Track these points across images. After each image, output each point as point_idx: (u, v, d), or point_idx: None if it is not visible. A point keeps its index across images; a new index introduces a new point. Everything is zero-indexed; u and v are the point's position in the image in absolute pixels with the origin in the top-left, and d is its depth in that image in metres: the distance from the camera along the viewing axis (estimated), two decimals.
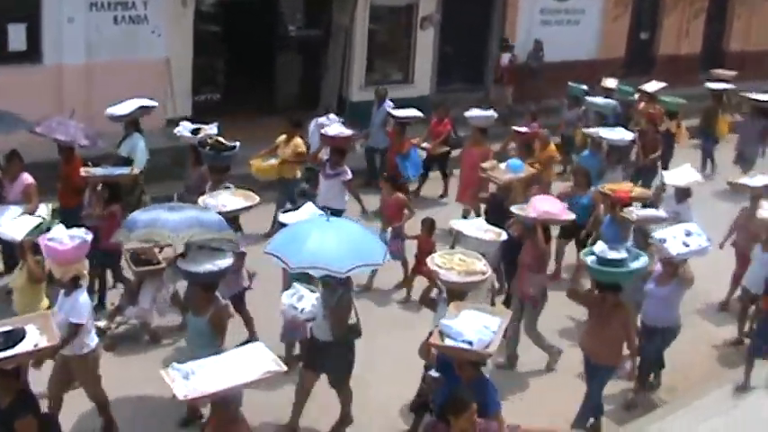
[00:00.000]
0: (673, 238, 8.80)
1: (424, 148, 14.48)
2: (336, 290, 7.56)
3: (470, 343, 6.35)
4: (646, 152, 14.26)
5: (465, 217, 11.72)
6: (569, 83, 16.24)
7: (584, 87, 16.09)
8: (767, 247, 10.22)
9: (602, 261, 8.06)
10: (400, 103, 15.02)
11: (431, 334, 6.61)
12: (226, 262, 7.45)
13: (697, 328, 10.64)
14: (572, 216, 9.78)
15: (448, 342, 6.44)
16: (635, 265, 8.14)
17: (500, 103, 17.26)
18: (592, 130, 13.54)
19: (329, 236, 7.42)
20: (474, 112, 13.70)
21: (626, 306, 8.26)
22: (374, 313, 10.51)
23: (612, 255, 8.06)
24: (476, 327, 6.47)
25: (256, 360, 5.93)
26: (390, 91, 17.06)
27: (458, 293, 7.71)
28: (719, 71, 19.15)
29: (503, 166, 11.04)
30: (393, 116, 14.32)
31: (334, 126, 12.20)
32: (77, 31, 14.20)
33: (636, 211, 10.07)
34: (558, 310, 10.04)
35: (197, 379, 5.75)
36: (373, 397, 8.61)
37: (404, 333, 9.24)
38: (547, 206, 9.50)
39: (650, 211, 10.24)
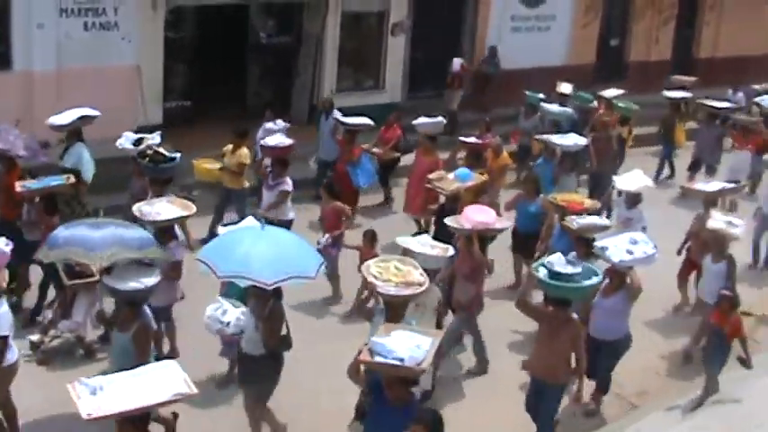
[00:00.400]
0: (615, 247, 8.39)
1: (374, 154, 13.86)
2: (267, 300, 7.16)
3: (401, 360, 5.94)
4: (599, 158, 13.77)
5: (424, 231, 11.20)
6: (526, 91, 15.78)
7: (541, 95, 15.65)
8: (716, 258, 9.81)
9: (553, 275, 7.54)
10: (371, 110, 14.67)
11: (360, 352, 6.19)
12: (152, 280, 7.07)
13: (659, 334, 10.39)
14: (507, 224, 9.39)
15: (378, 359, 6.01)
16: (587, 282, 7.58)
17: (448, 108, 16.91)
18: (545, 137, 13.11)
19: (260, 245, 7.01)
20: (422, 120, 13.19)
21: (577, 322, 7.78)
22: (326, 321, 10.18)
23: (564, 269, 7.53)
24: (408, 344, 6.07)
25: (168, 380, 5.56)
26: (361, 97, 16.97)
27: (397, 305, 7.32)
28: (679, 77, 18.79)
29: (450, 176, 10.64)
30: (342, 123, 13.66)
31: (274, 136, 11.76)
32: (47, 37, 13.77)
33: (577, 220, 9.57)
34: (507, 321, 9.72)
35: (104, 396, 5.37)
36: (325, 405, 8.29)
37: (358, 341, 8.86)
38: (481, 216, 9.11)
39: (592, 220, 9.71)
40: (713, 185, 11.16)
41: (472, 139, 12.76)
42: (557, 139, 12.78)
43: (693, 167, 15.31)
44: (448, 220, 9.23)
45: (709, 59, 22.78)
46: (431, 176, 10.88)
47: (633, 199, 11.01)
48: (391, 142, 14.05)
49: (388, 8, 17.35)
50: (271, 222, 9.10)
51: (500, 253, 10.96)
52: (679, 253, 10.96)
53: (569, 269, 7.54)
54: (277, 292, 7.25)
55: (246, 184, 11.84)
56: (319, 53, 16.71)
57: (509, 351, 9.83)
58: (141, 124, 14.43)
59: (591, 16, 20.52)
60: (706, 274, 9.97)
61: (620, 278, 8.44)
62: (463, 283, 8.99)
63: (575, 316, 7.84)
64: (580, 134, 13.43)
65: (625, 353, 8.70)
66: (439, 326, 8.27)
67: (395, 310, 7.29)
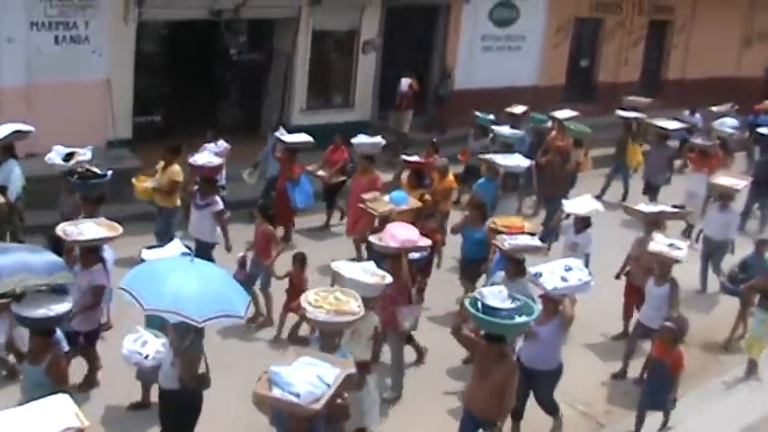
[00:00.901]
0: (550, 273, 7.97)
1: (318, 176, 13.37)
2: (188, 334, 6.77)
3: (297, 395, 5.47)
4: (552, 181, 13.25)
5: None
6: (476, 112, 15.25)
7: (491, 117, 15.13)
8: (659, 281, 9.40)
9: (486, 309, 6.99)
10: (341, 128, 14.34)
11: (260, 379, 5.74)
12: (63, 307, 6.66)
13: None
14: (429, 242, 8.98)
15: (275, 391, 5.54)
16: (520, 319, 7.03)
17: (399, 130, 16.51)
18: (488, 156, 12.61)
19: (190, 279, 6.58)
20: (360, 139, 12.71)
21: (511, 360, 7.33)
22: (255, 343, 9.72)
23: (500, 303, 6.98)
24: (308, 377, 5.56)
25: (58, 414, 5.19)
26: (331, 115, 16.59)
27: (329, 332, 6.89)
28: (634, 98, 18.26)
29: (385, 198, 10.21)
30: (282, 141, 13.00)
31: (203, 155, 11.33)
32: (17, 51, 13.40)
33: (508, 240, 9.12)
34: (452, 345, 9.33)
35: None
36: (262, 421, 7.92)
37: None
38: (407, 234, 8.69)
39: (524, 240, 9.22)
40: (654, 207, 10.76)
41: (415, 158, 12.30)
42: (500, 159, 12.32)
43: (647, 190, 14.81)
44: (372, 238, 8.80)
45: (677, 81, 22.45)
46: (365, 197, 10.44)
47: (582, 223, 10.55)
48: (338, 164, 13.49)
49: (358, 26, 16.97)
50: (196, 241, 8.72)
51: (444, 277, 10.63)
52: (617, 277, 10.56)
53: (506, 304, 7.01)
54: (198, 329, 6.82)
55: (178, 203, 11.32)
56: (290, 70, 16.36)
57: (449, 377, 9.50)
58: (111, 138, 14.18)
59: (561, 37, 20.18)
60: (648, 298, 9.55)
61: (554, 306, 8.01)
62: (391, 307, 8.51)
63: (510, 350, 7.47)
64: (533, 157, 13.01)
65: (556, 383, 8.25)
66: (376, 354, 7.91)
67: (329, 338, 6.87)
